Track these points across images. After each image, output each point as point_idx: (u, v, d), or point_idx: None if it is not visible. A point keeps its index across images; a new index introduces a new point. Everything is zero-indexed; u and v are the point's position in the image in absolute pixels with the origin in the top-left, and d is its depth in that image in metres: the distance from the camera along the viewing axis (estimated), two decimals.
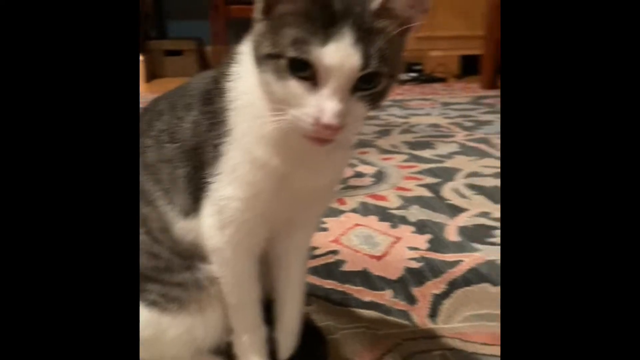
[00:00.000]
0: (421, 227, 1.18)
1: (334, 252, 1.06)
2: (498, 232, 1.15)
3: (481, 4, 3.06)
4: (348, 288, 0.93)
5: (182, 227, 0.64)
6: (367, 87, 0.50)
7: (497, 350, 0.76)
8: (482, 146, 1.84)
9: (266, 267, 0.69)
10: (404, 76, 3.23)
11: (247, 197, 0.58)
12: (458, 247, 1.08)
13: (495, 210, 1.27)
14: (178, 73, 3.57)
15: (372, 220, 1.23)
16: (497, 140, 1.91)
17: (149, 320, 0.65)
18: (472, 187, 1.43)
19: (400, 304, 0.88)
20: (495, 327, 0.81)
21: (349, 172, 1.53)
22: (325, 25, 0.47)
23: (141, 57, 3.30)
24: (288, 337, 0.71)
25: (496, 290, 0.92)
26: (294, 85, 0.49)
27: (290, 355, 0.71)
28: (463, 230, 1.16)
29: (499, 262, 1.01)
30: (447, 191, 1.40)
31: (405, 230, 1.17)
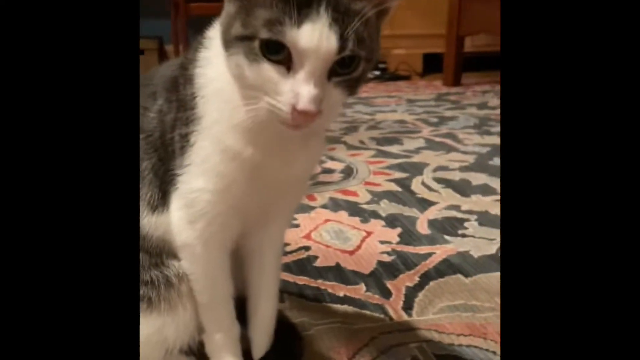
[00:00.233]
0: (392, 221, 1.18)
1: (305, 248, 1.04)
2: (468, 224, 1.15)
3: (443, 2, 3.10)
4: (321, 283, 0.91)
5: (149, 222, 0.61)
6: (344, 71, 0.48)
7: (473, 341, 0.75)
8: (448, 141, 1.85)
9: (239, 263, 0.67)
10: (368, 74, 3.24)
11: (219, 189, 0.56)
12: (429, 240, 1.08)
13: (464, 202, 1.27)
14: (141, 72, 3.48)
15: (343, 215, 1.21)
16: (462, 135, 1.93)
17: None
18: (440, 180, 1.43)
19: (375, 298, 0.87)
20: (471, 317, 0.81)
21: (317, 168, 1.51)
22: (300, 5, 0.45)
23: None
24: (262, 335, 0.68)
25: (469, 281, 0.92)
26: (267, 69, 0.47)
27: (264, 353, 0.68)
28: (433, 223, 1.16)
29: (470, 253, 1.01)
30: (416, 185, 1.40)
31: (376, 225, 1.16)
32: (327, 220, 1.18)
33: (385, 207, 1.25)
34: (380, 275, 0.94)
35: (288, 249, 1.03)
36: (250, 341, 0.69)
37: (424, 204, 1.27)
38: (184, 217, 0.58)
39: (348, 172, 1.51)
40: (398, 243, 1.06)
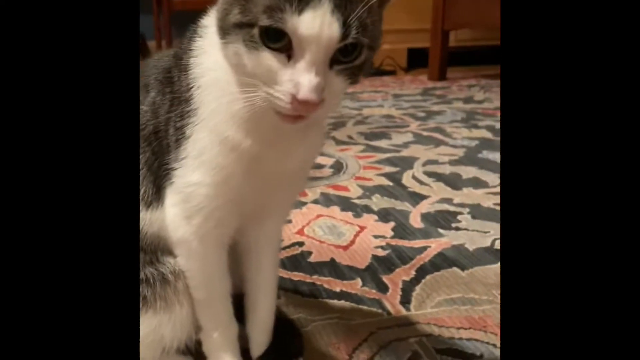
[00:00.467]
0: (385, 215, 1.17)
1: (299, 243, 1.03)
2: (461, 217, 1.15)
3: None
4: (317, 279, 0.90)
5: (144, 218, 0.59)
6: (347, 59, 0.47)
7: (473, 334, 0.75)
8: (437, 135, 1.85)
9: (236, 260, 0.65)
10: None
11: (217, 182, 0.54)
12: (423, 234, 1.07)
13: (456, 196, 1.27)
14: None
15: (335, 210, 1.20)
16: (450, 129, 1.93)
17: None
18: (431, 174, 1.43)
19: (372, 293, 0.86)
20: (470, 310, 0.80)
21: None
22: None
23: None
24: (261, 332, 0.67)
25: (465, 274, 0.91)
26: (267, 57, 0.45)
27: (263, 351, 0.67)
28: (427, 217, 1.15)
29: (465, 246, 1.01)
30: (407, 179, 1.39)
31: (368, 219, 1.15)
32: (319, 216, 1.17)
33: (377, 202, 1.24)
34: (376, 270, 0.93)
35: (282, 244, 1.01)
36: (249, 339, 0.67)
37: (416, 198, 1.26)
38: (179, 212, 0.56)
39: (338, 167, 1.50)
40: (392, 237, 1.06)
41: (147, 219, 0.58)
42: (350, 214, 1.18)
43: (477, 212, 1.17)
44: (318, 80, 0.44)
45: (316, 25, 0.43)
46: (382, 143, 1.76)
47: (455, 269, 0.93)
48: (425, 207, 1.21)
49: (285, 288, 0.87)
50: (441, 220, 1.13)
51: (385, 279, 0.90)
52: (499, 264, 0.94)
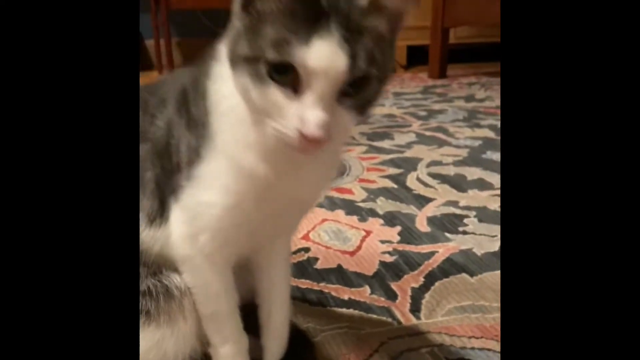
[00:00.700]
0: (390, 219, 1.16)
1: (305, 249, 1.02)
2: (468, 220, 1.14)
3: None
4: (324, 286, 0.89)
5: (147, 235, 0.58)
6: (355, 92, 0.45)
7: (486, 343, 0.74)
8: (440, 135, 1.84)
9: (245, 271, 0.64)
10: None
11: (228, 205, 0.53)
12: (430, 238, 1.06)
13: (462, 198, 1.26)
14: None
15: (340, 214, 1.19)
16: (452, 129, 1.92)
17: None
18: (435, 176, 1.42)
19: (381, 301, 0.85)
20: (481, 318, 0.79)
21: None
22: (309, 23, 0.42)
23: None
24: (276, 342, 0.66)
25: (475, 280, 0.90)
26: (274, 93, 0.44)
27: None
28: (433, 220, 1.14)
29: (473, 251, 1.00)
30: (411, 181, 1.38)
31: (374, 223, 1.14)
32: (324, 220, 1.15)
33: (382, 205, 1.23)
34: (384, 277, 0.92)
35: None
36: (263, 349, 0.66)
37: (421, 201, 1.25)
38: (186, 230, 0.55)
39: (341, 169, 1.49)
40: (399, 242, 1.04)
41: (151, 236, 0.57)
42: (355, 217, 1.17)
43: (484, 215, 1.16)
44: (325, 117, 0.43)
45: (323, 58, 0.42)
46: (385, 143, 1.74)
47: (464, 274, 0.92)
48: (431, 210, 1.20)
49: (293, 296, 0.85)
50: (447, 223, 1.12)
51: (393, 286, 0.89)
52: None
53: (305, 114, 0.43)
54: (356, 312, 0.82)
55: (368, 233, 1.09)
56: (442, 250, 1.00)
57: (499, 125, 1.95)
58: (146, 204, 0.57)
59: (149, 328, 0.59)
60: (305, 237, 1.07)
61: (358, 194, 1.30)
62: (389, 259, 0.98)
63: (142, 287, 0.59)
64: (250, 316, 0.66)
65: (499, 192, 1.30)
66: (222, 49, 0.52)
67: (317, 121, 0.42)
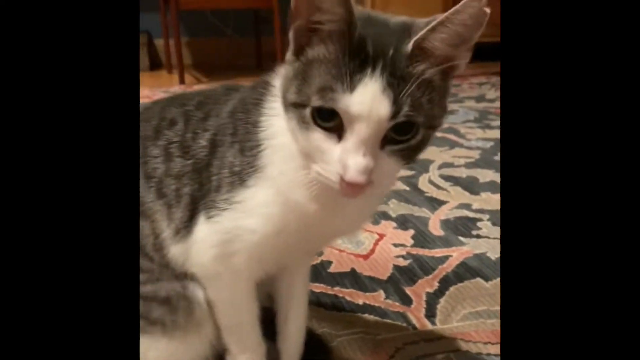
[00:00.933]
0: (403, 222, 1.15)
1: (318, 252, 1.01)
2: (482, 224, 1.13)
3: None
4: (339, 291, 0.89)
5: (177, 250, 0.58)
6: (400, 139, 0.45)
7: None
8: (451, 136, 1.83)
9: (265, 277, 0.64)
10: None
11: (269, 233, 0.53)
12: (444, 242, 1.06)
13: (474, 201, 1.25)
14: None
15: None
16: (464, 130, 1.91)
17: None
18: (447, 178, 1.41)
19: (395, 306, 0.85)
20: (496, 324, 0.79)
21: None
22: (353, 71, 0.43)
23: None
24: (293, 345, 0.67)
25: (490, 285, 0.90)
26: (318, 137, 0.45)
27: None
28: (446, 224, 1.14)
29: (488, 255, 0.99)
30: (423, 183, 1.38)
31: (387, 226, 1.14)
32: None
33: (395, 207, 1.23)
34: (398, 281, 0.92)
35: None
36: (280, 353, 0.66)
37: (434, 204, 1.25)
38: (219, 251, 0.55)
39: None
40: (412, 246, 1.04)
41: (179, 251, 0.58)
42: None
43: (497, 218, 1.16)
44: (366, 162, 0.43)
45: (365, 103, 0.42)
46: None
47: (478, 279, 0.91)
48: (444, 213, 1.19)
49: (308, 301, 0.85)
50: (461, 227, 1.12)
51: (408, 290, 0.89)
52: None
53: (346, 159, 0.43)
54: (371, 317, 0.82)
55: (381, 236, 1.09)
56: (456, 255, 1.00)
57: None
58: (178, 215, 0.57)
59: (163, 340, 0.59)
60: None
61: None
62: (402, 263, 0.98)
63: (162, 292, 0.59)
64: (266, 320, 0.66)
65: None
66: (276, 84, 0.53)
67: (358, 167, 0.43)
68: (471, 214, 1.18)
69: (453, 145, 1.73)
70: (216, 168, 0.55)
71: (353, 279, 0.93)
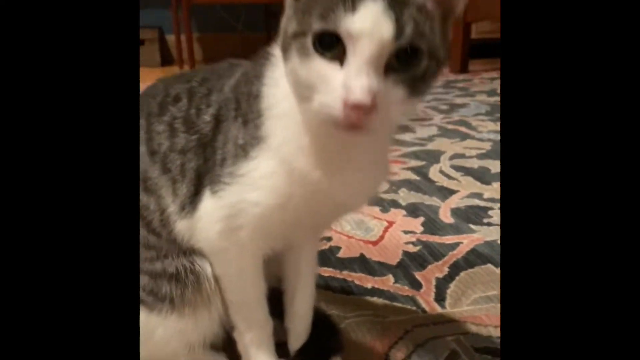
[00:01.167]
0: (413, 210, 1.14)
1: (327, 238, 1.01)
2: (493, 212, 1.12)
3: None
4: (347, 275, 0.88)
5: (183, 226, 0.58)
6: (404, 67, 0.44)
7: None
8: (462, 128, 1.82)
9: (272, 257, 0.63)
10: None
11: (275, 205, 0.53)
12: (454, 229, 1.05)
13: (486, 190, 1.24)
14: (140, 63, 3.43)
15: None
16: (475, 122, 1.89)
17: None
18: (458, 168, 1.40)
19: (405, 290, 0.84)
20: None
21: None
22: None
23: None
24: (301, 324, 0.66)
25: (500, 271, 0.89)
26: (320, 65, 0.43)
27: (302, 344, 0.66)
28: (457, 212, 1.12)
29: (498, 242, 0.98)
30: (434, 173, 1.37)
31: (397, 214, 1.13)
32: None
33: (405, 196, 1.22)
34: (408, 266, 0.91)
35: None
36: (287, 332, 0.66)
37: (445, 193, 1.24)
38: (224, 225, 0.55)
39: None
40: (422, 233, 1.03)
41: (185, 226, 0.57)
42: (377, 208, 1.16)
43: None
44: (369, 82, 0.42)
45: (368, 22, 0.41)
46: (406, 136, 1.73)
47: (489, 265, 0.90)
48: (454, 202, 1.18)
49: (316, 284, 0.85)
50: (472, 215, 1.11)
51: (418, 275, 0.88)
52: None
53: (350, 81, 0.42)
54: (380, 301, 0.81)
55: (390, 224, 1.08)
56: (467, 242, 0.99)
57: None
58: (183, 191, 0.57)
59: (172, 317, 0.59)
60: None
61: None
62: (412, 249, 0.97)
63: (171, 268, 0.59)
64: (273, 299, 0.65)
65: None
66: (276, 53, 0.52)
67: (362, 87, 0.41)
68: (482, 203, 1.17)
69: (464, 137, 1.71)
70: (220, 143, 0.55)
71: (362, 264, 0.92)
